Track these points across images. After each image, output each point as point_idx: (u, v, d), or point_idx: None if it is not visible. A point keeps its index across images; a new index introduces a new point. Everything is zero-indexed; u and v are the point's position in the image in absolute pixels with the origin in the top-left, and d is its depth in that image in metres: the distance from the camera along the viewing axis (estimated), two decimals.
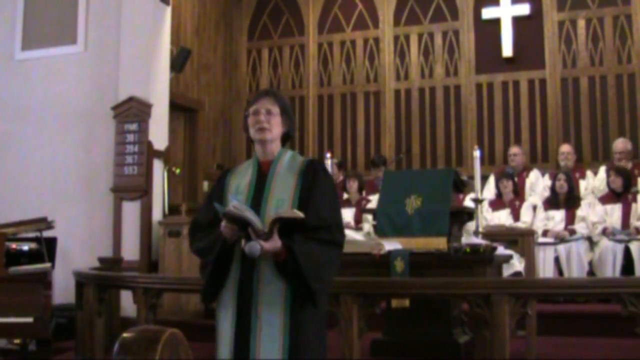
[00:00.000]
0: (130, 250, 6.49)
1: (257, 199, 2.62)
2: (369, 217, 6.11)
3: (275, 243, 2.45)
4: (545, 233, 6.75)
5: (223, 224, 2.50)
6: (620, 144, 7.36)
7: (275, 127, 2.70)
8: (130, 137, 6.68)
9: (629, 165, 7.22)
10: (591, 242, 6.68)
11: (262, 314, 2.50)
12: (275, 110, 2.70)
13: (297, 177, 2.63)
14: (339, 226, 2.63)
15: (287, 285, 2.51)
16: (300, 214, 2.46)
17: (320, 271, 2.51)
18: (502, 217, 7.06)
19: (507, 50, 8.43)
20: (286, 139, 2.79)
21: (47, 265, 5.00)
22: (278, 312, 2.50)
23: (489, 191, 7.51)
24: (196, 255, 2.78)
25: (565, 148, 7.64)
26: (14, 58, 7.31)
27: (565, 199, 6.89)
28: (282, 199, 2.58)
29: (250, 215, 2.45)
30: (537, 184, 7.57)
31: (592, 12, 8.25)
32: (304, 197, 2.58)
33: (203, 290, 2.69)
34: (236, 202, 2.49)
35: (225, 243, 2.54)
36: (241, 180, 2.72)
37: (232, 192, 2.69)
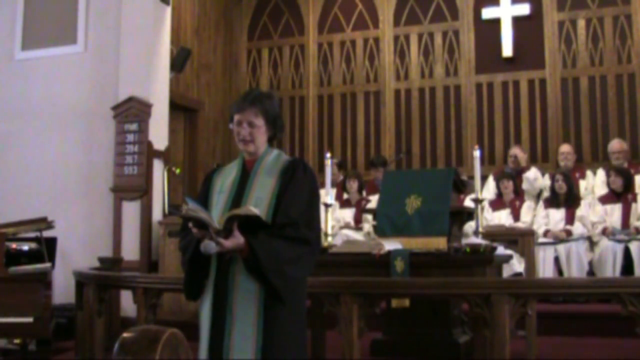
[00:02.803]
0: (130, 250, 6.49)
1: (238, 198, 2.64)
2: (369, 217, 6.12)
3: (237, 240, 2.46)
4: (545, 233, 6.75)
5: (190, 225, 2.53)
6: (617, 144, 7.36)
7: (259, 138, 2.70)
8: (130, 137, 6.68)
9: (625, 164, 7.22)
10: (591, 242, 6.68)
11: (237, 313, 2.51)
12: (259, 122, 2.68)
13: (278, 176, 2.64)
14: (310, 223, 2.59)
15: (260, 284, 2.51)
16: (255, 211, 2.48)
17: (283, 267, 2.48)
18: (502, 217, 7.07)
19: (507, 50, 8.43)
20: (272, 138, 2.79)
21: (47, 265, 4.98)
22: (252, 310, 2.51)
23: (488, 191, 7.51)
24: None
25: (565, 148, 7.64)
26: (14, 58, 7.30)
27: (565, 199, 6.89)
28: (261, 197, 2.59)
29: (203, 215, 2.48)
30: (536, 180, 7.51)
31: (592, 12, 8.25)
32: (281, 196, 2.59)
33: (183, 288, 2.73)
34: (191, 204, 2.52)
35: (199, 243, 2.55)
36: (225, 179, 2.75)
37: (217, 190, 2.72)
